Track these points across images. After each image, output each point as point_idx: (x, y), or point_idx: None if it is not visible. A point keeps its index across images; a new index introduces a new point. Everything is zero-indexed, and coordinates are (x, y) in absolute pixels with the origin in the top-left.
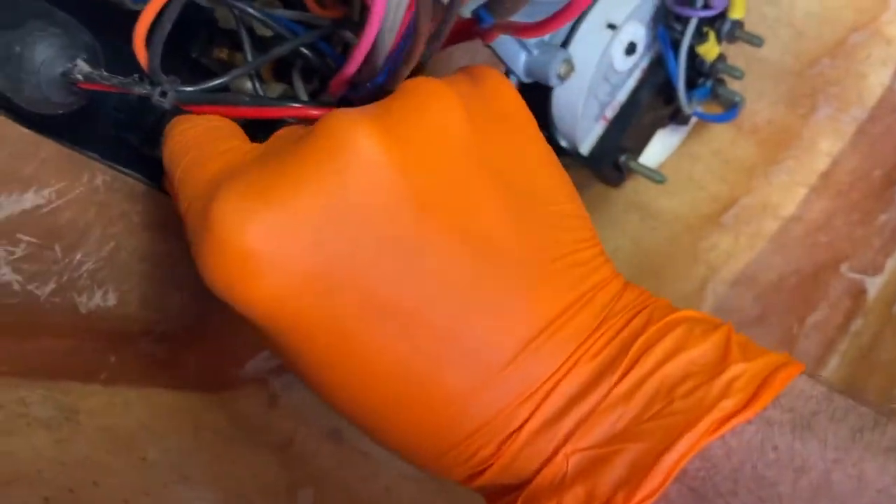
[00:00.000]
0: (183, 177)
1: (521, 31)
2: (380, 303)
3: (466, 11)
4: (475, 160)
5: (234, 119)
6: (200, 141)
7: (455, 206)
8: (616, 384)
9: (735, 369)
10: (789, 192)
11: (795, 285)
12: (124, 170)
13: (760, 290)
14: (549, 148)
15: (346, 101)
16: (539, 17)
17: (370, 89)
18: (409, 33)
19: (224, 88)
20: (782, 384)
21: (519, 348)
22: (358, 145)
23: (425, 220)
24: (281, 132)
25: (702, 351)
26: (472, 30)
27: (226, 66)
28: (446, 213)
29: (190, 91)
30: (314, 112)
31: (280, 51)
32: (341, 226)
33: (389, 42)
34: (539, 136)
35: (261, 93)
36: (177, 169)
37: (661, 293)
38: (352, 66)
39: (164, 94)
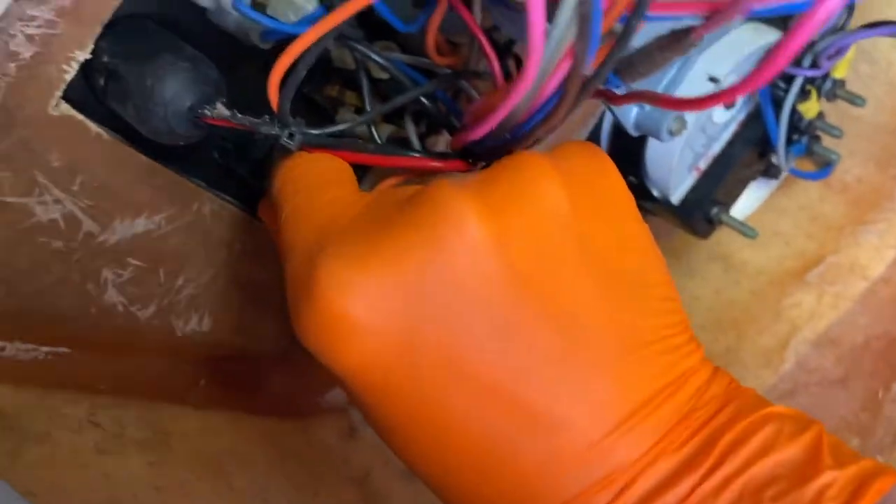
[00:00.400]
0: (288, 220)
1: (661, 102)
2: (467, 375)
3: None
4: (573, 240)
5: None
6: (310, 184)
7: (550, 285)
8: (701, 482)
9: (827, 476)
10: (878, 254)
11: (882, 349)
12: (229, 199)
13: (844, 352)
14: (646, 229)
15: (468, 152)
16: (658, 82)
17: (494, 145)
18: (551, 101)
19: (346, 132)
20: (877, 494)
21: (603, 433)
22: (460, 220)
23: (519, 297)
24: (386, 187)
25: (792, 453)
26: (601, 92)
27: (336, 103)
28: (541, 291)
29: (316, 134)
30: (435, 164)
31: (401, 100)
32: (437, 296)
33: (528, 107)
34: (638, 217)
35: (376, 137)
36: (284, 208)
37: (741, 348)
38: (482, 129)
39: (291, 136)
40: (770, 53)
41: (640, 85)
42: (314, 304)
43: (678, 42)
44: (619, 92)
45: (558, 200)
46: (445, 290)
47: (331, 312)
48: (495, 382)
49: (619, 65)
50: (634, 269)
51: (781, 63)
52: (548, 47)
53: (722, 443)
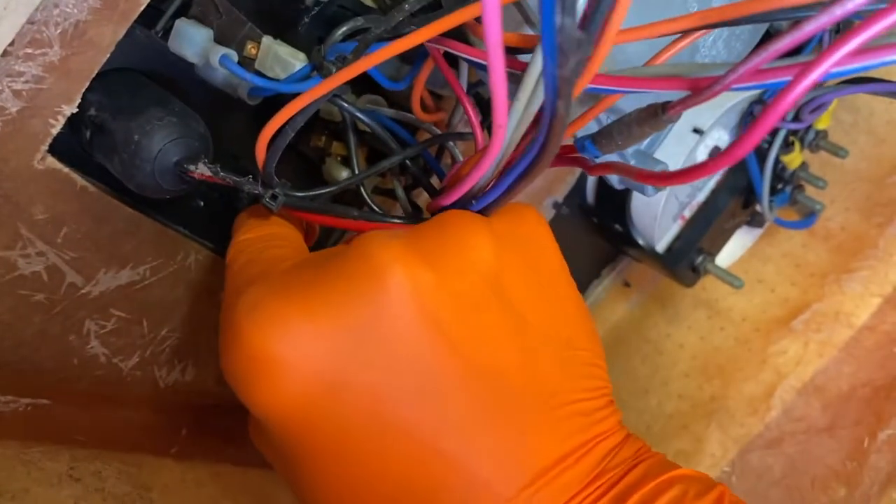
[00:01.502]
0: (227, 276)
1: (635, 175)
2: (390, 422)
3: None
4: (498, 297)
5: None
6: (256, 245)
7: (472, 340)
8: None
9: None
10: (863, 301)
11: (867, 397)
12: (214, 247)
13: (830, 400)
14: (577, 294)
15: None
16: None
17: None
18: (521, 169)
19: (336, 196)
20: None
21: (517, 489)
22: (385, 270)
23: (441, 350)
24: (326, 250)
25: None
26: (576, 160)
27: (322, 153)
28: (463, 346)
29: (299, 197)
30: None
31: (386, 164)
32: (361, 343)
33: (492, 178)
34: (569, 283)
35: (363, 192)
36: (230, 268)
37: (727, 395)
38: (452, 197)
39: (274, 197)
40: (738, 138)
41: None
42: (235, 340)
43: (655, 117)
44: (594, 162)
45: (485, 257)
46: (371, 338)
47: (249, 344)
48: (416, 433)
49: (597, 136)
50: (561, 332)
51: (752, 143)
52: (509, 127)
53: (630, 503)
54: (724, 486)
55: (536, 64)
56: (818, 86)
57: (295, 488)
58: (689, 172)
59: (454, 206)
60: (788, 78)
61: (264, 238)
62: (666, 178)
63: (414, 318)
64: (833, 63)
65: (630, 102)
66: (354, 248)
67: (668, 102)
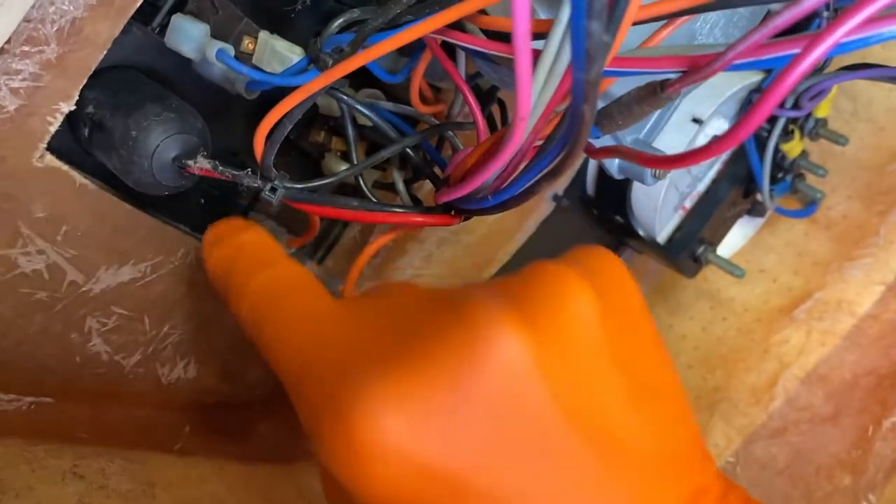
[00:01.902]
0: (270, 333)
1: (638, 159)
2: (504, 502)
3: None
4: (606, 357)
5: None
6: (278, 290)
7: (588, 406)
8: None
9: None
10: (865, 290)
11: (871, 386)
12: None
13: (833, 389)
14: (660, 337)
15: (451, 206)
16: (642, 125)
17: (481, 206)
18: (541, 168)
19: (335, 187)
20: None
21: None
22: (498, 341)
23: (560, 421)
24: (406, 295)
25: None
26: None
27: (321, 149)
28: (580, 413)
29: (298, 189)
30: (419, 219)
31: (386, 153)
32: (476, 425)
33: (509, 171)
34: (653, 325)
35: (363, 186)
36: (263, 326)
37: (730, 386)
38: (465, 190)
39: (273, 189)
40: (744, 115)
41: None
42: (343, 425)
43: (655, 95)
44: (597, 145)
45: (591, 318)
46: (486, 419)
47: (363, 437)
48: None
49: (597, 116)
50: (655, 383)
51: (757, 121)
52: (532, 116)
53: None
54: None
55: (549, 54)
56: (817, 72)
57: None
58: (693, 155)
59: (465, 199)
60: (793, 51)
61: (290, 279)
62: (670, 161)
63: (531, 392)
64: (845, 32)
65: (621, 88)
66: (463, 321)
67: (666, 80)
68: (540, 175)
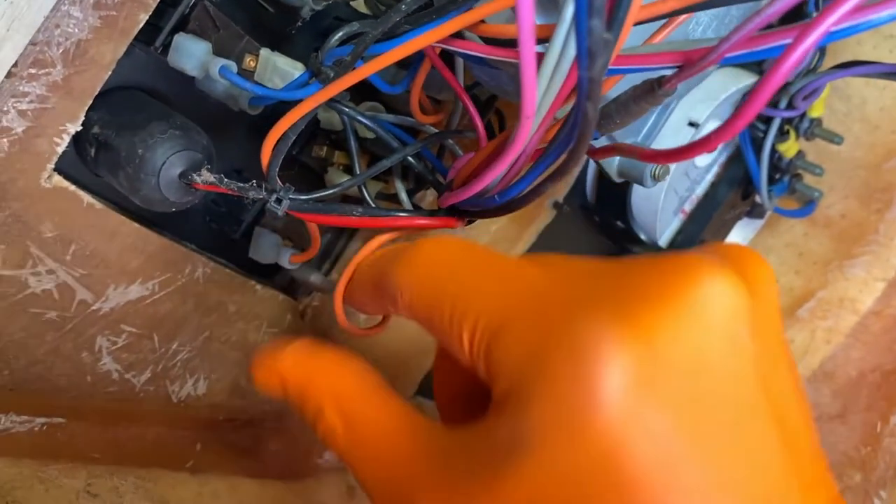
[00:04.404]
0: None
1: (639, 155)
2: (692, 472)
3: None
4: (784, 342)
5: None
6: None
7: (775, 386)
8: None
9: None
10: (867, 287)
11: (877, 382)
12: (222, 260)
13: (840, 387)
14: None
15: (456, 209)
16: (638, 130)
17: (486, 206)
18: (545, 167)
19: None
20: None
21: None
22: (725, 297)
23: (759, 396)
24: (580, 258)
25: None
26: None
27: (324, 163)
28: (770, 392)
29: (303, 199)
30: (423, 222)
31: (388, 163)
32: (690, 381)
33: (513, 173)
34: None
35: (366, 196)
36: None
37: None
38: (468, 192)
39: (279, 200)
40: (741, 105)
41: (619, 133)
42: (585, 373)
43: (652, 92)
44: (596, 145)
45: (777, 297)
46: (698, 373)
47: (607, 384)
48: (726, 479)
49: None
50: (800, 409)
51: (753, 112)
52: (537, 116)
53: None
54: None
55: (553, 53)
56: (810, 71)
57: None
58: (694, 147)
59: (471, 200)
60: (785, 41)
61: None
62: (670, 154)
63: (744, 356)
64: (837, 19)
65: (617, 87)
66: (674, 261)
67: (662, 77)
68: (545, 175)
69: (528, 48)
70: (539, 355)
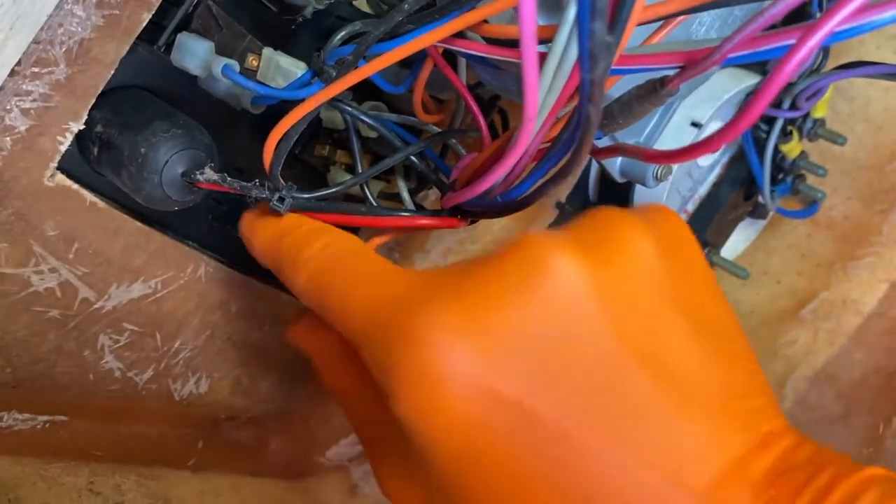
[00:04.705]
0: (335, 297)
1: (642, 155)
2: (568, 434)
3: None
4: (667, 295)
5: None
6: (337, 254)
7: (647, 337)
8: None
9: None
10: (870, 288)
11: (880, 384)
12: (224, 259)
13: (842, 388)
14: (720, 289)
15: (458, 210)
16: (641, 130)
17: (485, 205)
18: (548, 168)
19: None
20: None
21: (706, 488)
22: (561, 271)
23: (623, 352)
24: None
25: None
26: None
27: (327, 162)
28: (639, 344)
29: (306, 198)
30: (426, 222)
31: (391, 161)
32: (538, 350)
33: (516, 175)
34: (712, 277)
35: (369, 195)
36: (331, 285)
37: None
38: (471, 193)
39: (281, 199)
40: (744, 106)
41: (622, 133)
42: (416, 358)
43: (654, 92)
44: (599, 144)
45: (651, 256)
46: (549, 348)
47: (433, 367)
48: (595, 441)
49: None
50: (723, 330)
51: (756, 113)
52: (539, 116)
53: None
54: None
55: (556, 54)
56: (813, 71)
57: None
58: (696, 148)
59: (474, 201)
60: (789, 42)
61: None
62: (673, 155)
63: (592, 324)
64: (841, 19)
65: (620, 87)
66: (520, 250)
67: (665, 77)
68: (548, 176)
69: (531, 49)
70: (389, 358)
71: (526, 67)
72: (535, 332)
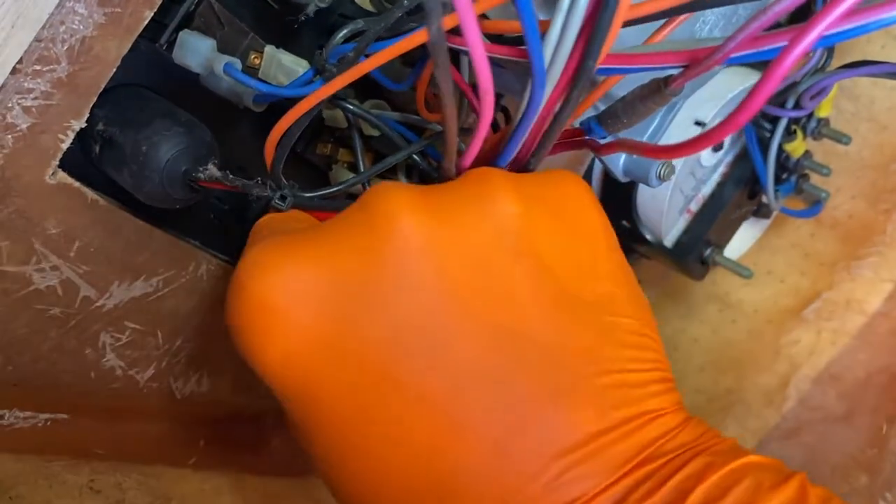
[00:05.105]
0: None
1: (644, 151)
2: (400, 386)
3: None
4: (525, 256)
5: None
6: (278, 219)
7: (489, 298)
8: None
9: None
10: (874, 288)
11: (884, 384)
12: (226, 258)
13: (846, 388)
14: (624, 262)
15: None
16: (644, 129)
17: None
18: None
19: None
20: None
21: (540, 467)
22: (392, 220)
23: (454, 307)
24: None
25: None
26: (585, 142)
27: (329, 161)
28: (477, 304)
29: (308, 196)
30: None
31: (393, 160)
32: (366, 298)
33: (494, 151)
34: (614, 248)
35: None
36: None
37: (742, 388)
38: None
39: (283, 197)
40: (742, 103)
41: (626, 132)
42: (233, 292)
43: (658, 92)
44: (602, 142)
45: (508, 212)
46: (373, 291)
47: (248, 294)
48: (429, 398)
49: (602, 116)
50: (601, 299)
51: (753, 109)
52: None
53: (694, 497)
54: (802, 475)
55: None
56: (818, 71)
57: (313, 460)
58: (696, 142)
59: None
60: (786, 42)
61: (289, 216)
62: (674, 149)
63: (420, 273)
64: (828, 24)
65: (624, 87)
66: (364, 198)
67: (669, 76)
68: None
69: (536, 48)
70: (226, 301)
71: (468, 34)
72: (366, 280)
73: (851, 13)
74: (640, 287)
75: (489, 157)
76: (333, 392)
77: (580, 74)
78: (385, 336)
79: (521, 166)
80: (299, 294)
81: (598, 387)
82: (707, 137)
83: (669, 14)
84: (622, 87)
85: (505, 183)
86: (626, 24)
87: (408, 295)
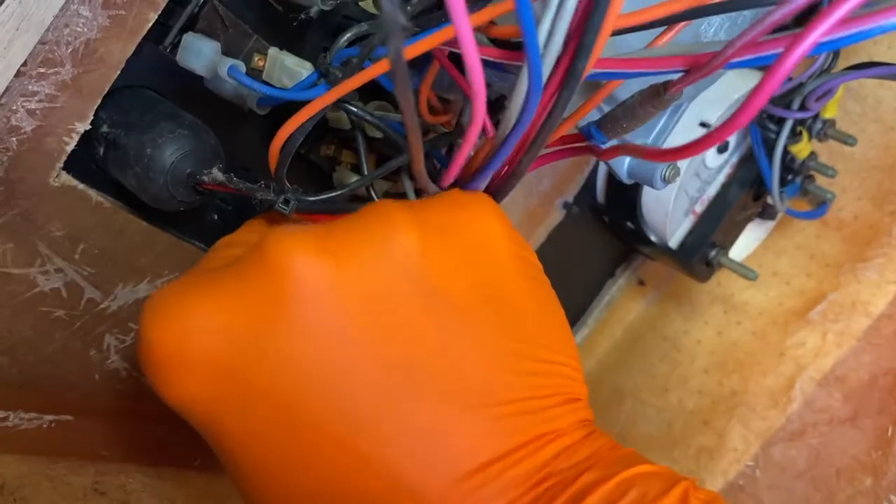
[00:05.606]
0: None
1: (644, 154)
2: (303, 419)
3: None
4: (424, 289)
5: None
6: (218, 248)
7: (388, 333)
8: None
9: None
10: (879, 290)
11: (889, 386)
12: None
13: (851, 390)
14: (531, 286)
15: None
16: (649, 131)
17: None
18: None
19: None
20: None
21: (439, 494)
22: (290, 269)
23: (350, 349)
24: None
25: None
26: (586, 148)
27: (332, 162)
28: (377, 341)
29: (311, 200)
30: None
31: (396, 163)
32: (264, 342)
33: (485, 155)
34: (519, 273)
35: (374, 196)
36: None
37: (747, 390)
38: (446, 180)
39: (287, 201)
40: (742, 105)
41: (631, 135)
42: (138, 337)
43: (658, 96)
44: (604, 147)
45: (408, 251)
46: (273, 338)
47: (150, 346)
48: (330, 432)
49: (602, 121)
50: (504, 326)
51: (752, 112)
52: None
53: None
54: (689, 482)
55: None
56: (824, 72)
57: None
58: (697, 144)
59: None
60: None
61: (229, 241)
62: (675, 152)
63: (317, 316)
64: (823, 32)
65: (626, 92)
66: (257, 244)
67: (668, 81)
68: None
69: (533, 46)
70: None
71: (461, 36)
72: (261, 324)
73: (850, 19)
74: (555, 305)
75: (482, 161)
76: (238, 433)
77: (570, 76)
78: (285, 380)
79: (513, 168)
80: (196, 341)
81: (495, 416)
82: (707, 139)
83: (671, 21)
84: (622, 91)
85: (403, 216)
86: (627, 30)
87: (304, 338)
